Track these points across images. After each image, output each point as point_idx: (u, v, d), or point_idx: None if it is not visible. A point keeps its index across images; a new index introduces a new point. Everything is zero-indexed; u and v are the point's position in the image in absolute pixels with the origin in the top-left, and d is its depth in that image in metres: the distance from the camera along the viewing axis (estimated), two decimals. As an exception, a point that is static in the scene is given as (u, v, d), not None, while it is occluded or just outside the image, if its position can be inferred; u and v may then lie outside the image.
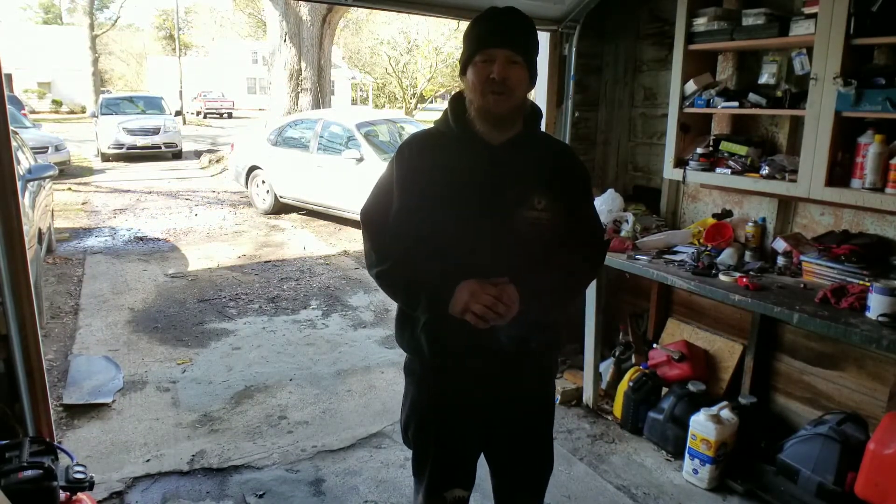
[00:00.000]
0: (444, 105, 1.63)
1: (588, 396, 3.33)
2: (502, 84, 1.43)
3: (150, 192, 10.28)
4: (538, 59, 1.54)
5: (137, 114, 15.03)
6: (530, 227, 1.48)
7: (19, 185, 2.03)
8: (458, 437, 1.67)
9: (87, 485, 1.83)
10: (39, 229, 4.83)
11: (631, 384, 3.09)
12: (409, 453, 1.77)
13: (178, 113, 23.68)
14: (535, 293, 1.46)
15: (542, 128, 1.67)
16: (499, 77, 1.42)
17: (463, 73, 1.51)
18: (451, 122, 1.54)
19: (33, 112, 24.74)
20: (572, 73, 3.33)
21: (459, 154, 1.52)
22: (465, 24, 1.64)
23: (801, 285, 2.52)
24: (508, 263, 1.48)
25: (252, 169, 8.98)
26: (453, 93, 1.61)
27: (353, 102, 37.15)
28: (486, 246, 1.48)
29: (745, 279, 2.51)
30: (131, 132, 13.98)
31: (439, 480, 1.70)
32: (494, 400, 1.63)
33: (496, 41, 1.44)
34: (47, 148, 11.12)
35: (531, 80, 1.50)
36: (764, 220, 2.90)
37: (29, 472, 1.72)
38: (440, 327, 1.53)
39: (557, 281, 1.53)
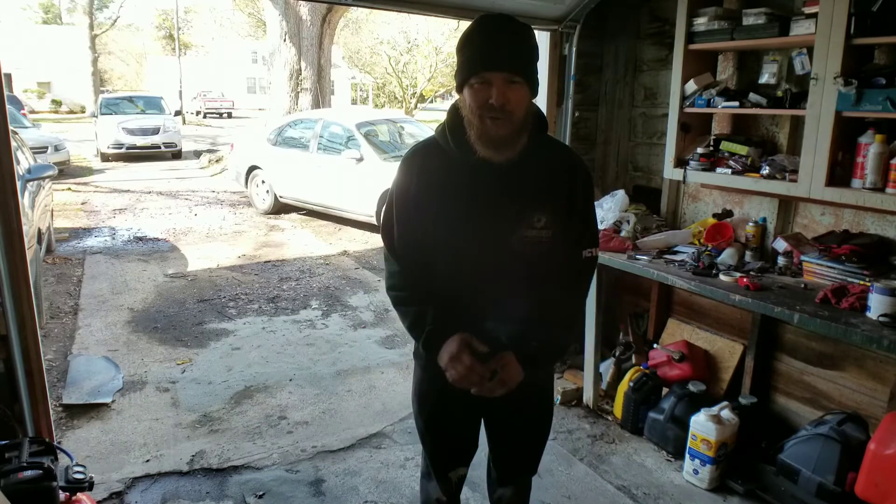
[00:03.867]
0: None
1: (588, 396, 3.33)
2: (502, 108, 1.36)
3: (150, 192, 10.28)
4: (539, 60, 1.51)
5: (137, 114, 15.02)
6: (530, 247, 1.47)
7: (19, 184, 2.03)
8: (459, 413, 1.72)
9: (87, 485, 1.83)
10: (39, 229, 4.83)
11: (631, 384, 3.09)
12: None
13: (178, 113, 23.68)
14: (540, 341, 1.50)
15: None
16: (497, 103, 1.36)
17: (460, 90, 1.45)
18: (451, 141, 1.49)
19: (33, 112, 24.73)
20: (572, 73, 3.33)
21: (459, 173, 1.48)
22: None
23: (802, 285, 2.51)
24: (508, 283, 1.50)
25: (252, 169, 8.97)
26: (451, 104, 1.56)
27: (353, 102, 37.14)
28: (485, 265, 1.48)
29: (745, 279, 2.51)
30: (131, 132, 13.98)
31: (444, 458, 1.79)
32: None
33: (492, 64, 1.36)
34: (47, 148, 11.12)
35: (533, 93, 1.43)
36: (764, 219, 2.90)
37: (28, 473, 1.72)
38: (446, 314, 1.55)
39: (554, 330, 1.55)
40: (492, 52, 1.37)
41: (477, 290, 1.51)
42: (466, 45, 1.42)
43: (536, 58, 1.45)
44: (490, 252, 1.47)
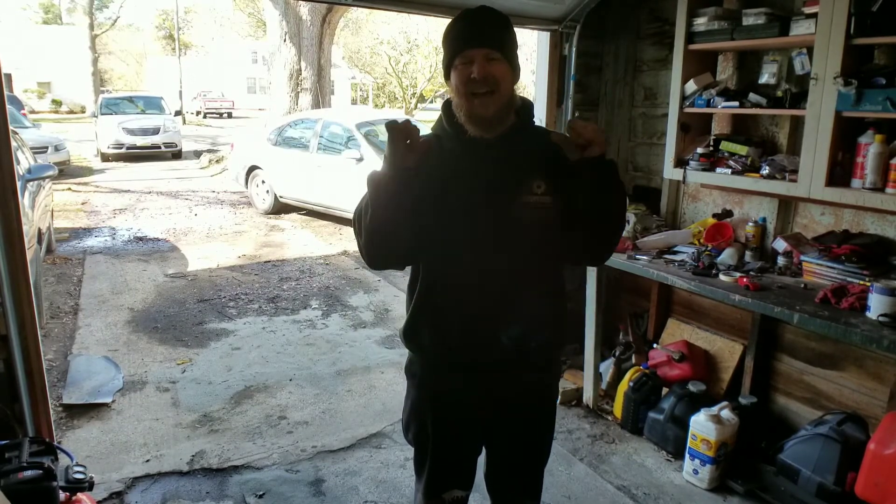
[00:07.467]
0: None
1: (588, 396, 3.33)
2: (485, 82, 1.42)
3: (150, 192, 10.28)
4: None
5: (137, 114, 15.02)
6: (532, 212, 1.49)
7: (19, 184, 2.03)
8: (456, 438, 1.68)
9: (87, 485, 1.83)
10: (39, 229, 4.83)
11: (631, 384, 3.09)
12: (410, 453, 1.79)
13: (178, 113, 23.66)
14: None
15: (543, 125, 1.65)
16: (479, 76, 1.42)
17: (447, 77, 1.52)
18: (446, 125, 1.56)
19: (33, 112, 24.71)
20: (572, 73, 3.33)
21: (456, 153, 1.53)
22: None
23: (802, 285, 2.51)
24: (512, 250, 1.50)
25: (252, 169, 8.97)
26: (444, 100, 1.61)
27: (353, 102, 37.10)
28: (488, 235, 1.50)
29: (745, 279, 2.51)
30: (131, 132, 13.97)
31: (438, 481, 1.71)
32: (494, 399, 1.63)
33: (472, 42, 1.44)
34: (47, 148, 11.11)
35: (514, 73, 1.48)
36: (764, 219, 2.90)
37: (29, 473, 1.72)
38: (442, 322, 1.57)
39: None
40: (471, 32, 1.46)
41: (480, 265, 1.50)
42: (448, 33, 1.50)
43: (516, 43, 1.51)
44: (493, 220, 1.49)
